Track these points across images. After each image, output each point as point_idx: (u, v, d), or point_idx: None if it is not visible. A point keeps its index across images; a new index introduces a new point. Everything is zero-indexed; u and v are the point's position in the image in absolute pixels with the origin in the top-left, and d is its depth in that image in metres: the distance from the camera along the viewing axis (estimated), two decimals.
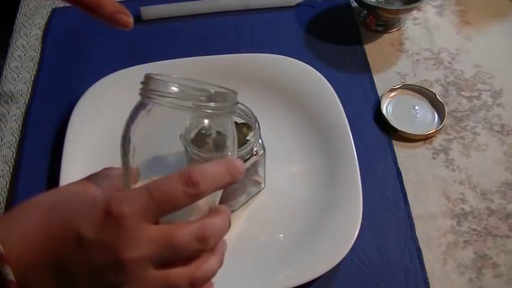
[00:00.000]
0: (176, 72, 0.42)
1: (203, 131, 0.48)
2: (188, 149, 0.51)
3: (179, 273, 0.36)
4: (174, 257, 0.36)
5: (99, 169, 0.42)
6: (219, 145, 0.41)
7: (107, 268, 0.34)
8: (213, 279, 0.56)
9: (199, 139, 0.50)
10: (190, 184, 0.35)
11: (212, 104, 0.38)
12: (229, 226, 0.39)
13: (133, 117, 0.38)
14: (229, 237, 0.59)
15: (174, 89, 0.37)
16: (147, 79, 0.38)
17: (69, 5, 0.61)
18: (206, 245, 0.37)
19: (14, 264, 0.34)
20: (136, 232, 0.34)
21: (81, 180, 0.40)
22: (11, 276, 0.34)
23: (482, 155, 0.67)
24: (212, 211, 0.39)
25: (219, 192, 0.41)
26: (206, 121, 0.41)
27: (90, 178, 0.40)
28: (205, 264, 0.38)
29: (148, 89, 0.37)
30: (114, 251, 0.34)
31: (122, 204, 0.35)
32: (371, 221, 0.60)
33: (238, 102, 0.41)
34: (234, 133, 0.41)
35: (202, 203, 0.39)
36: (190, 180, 0.35)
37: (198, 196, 0.36)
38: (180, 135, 0.51)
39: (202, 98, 0.37)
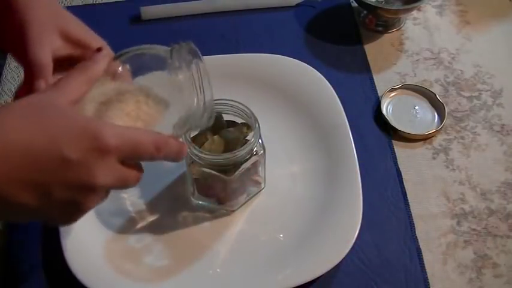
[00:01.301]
0: None
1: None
2: None
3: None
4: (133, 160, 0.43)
5: None
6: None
7: (79, 188, 0.40)
8: (212, 279, 0.56)
9: None
10: (156, 151, 0.43)
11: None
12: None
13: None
14: (230, 237, 0.60)
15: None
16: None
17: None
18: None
19: None
20: (112, 166, 0.41)
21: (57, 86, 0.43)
22: None
23: (482, 155, 0.67)
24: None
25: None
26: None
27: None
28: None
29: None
30: (91, 176, 0.39)
31: (110, 140, 0.40)
32: (371, 221, 0.60)
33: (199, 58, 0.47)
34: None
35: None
36: (159, 148, 0.43)
37: (153, 159, 0.44)
38: None
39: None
